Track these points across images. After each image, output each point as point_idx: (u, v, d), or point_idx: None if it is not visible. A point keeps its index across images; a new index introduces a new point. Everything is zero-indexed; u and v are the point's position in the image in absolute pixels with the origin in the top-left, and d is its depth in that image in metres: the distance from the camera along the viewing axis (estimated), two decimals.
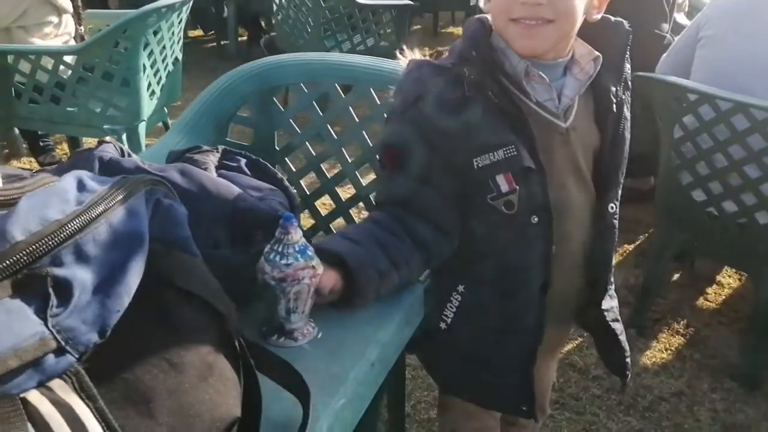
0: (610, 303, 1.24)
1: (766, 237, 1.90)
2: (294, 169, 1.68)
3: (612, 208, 1.14)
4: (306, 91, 1.63)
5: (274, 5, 3.82)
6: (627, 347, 1.25)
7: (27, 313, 0.49)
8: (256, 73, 1.63)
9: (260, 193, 0.99)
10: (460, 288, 1.13)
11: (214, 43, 5.45)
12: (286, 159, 1.68)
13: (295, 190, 1.10)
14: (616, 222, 1.16)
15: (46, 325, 0.50)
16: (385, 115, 1.17)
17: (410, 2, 3.83)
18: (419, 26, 6.34)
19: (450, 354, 1.17)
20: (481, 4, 1.10)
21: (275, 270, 0.84)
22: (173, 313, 0.61)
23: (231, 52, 5.21)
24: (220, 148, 1.18)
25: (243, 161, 1.14)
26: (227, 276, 0.84)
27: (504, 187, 1.02)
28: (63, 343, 0.50)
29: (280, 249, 0.85)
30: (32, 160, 3.28)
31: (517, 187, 1.02)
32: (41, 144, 3.10)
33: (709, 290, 2.51)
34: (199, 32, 5.83)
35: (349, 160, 1.64)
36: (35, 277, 0.50)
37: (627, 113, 1.12)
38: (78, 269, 0.52)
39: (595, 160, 1.12)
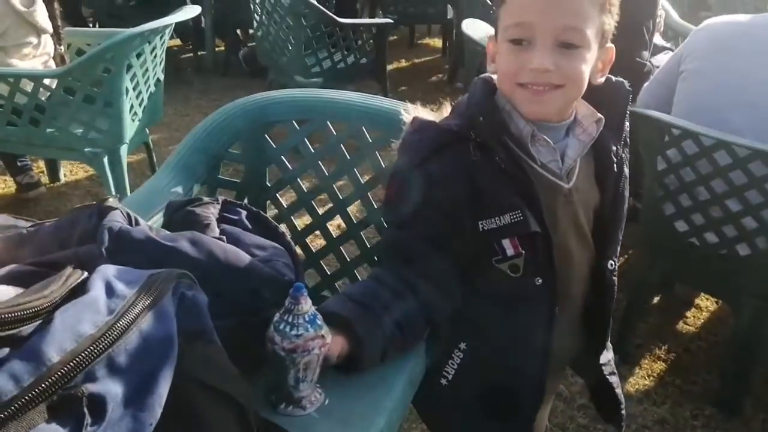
0: (607, 356, 1.27)
1: (745, 268, 1.95)
2: (285, 206, 1.68)
3: (611, 265, 1.15)
4: (298, 128, 1.63)
5: (254, 21, 3.80)
6: (623, 399, 1.27)
7: None
8: (249, 110, 1.63)
9: (264, 252, 0.99)
10: (462, 345, 1.14)
11: (191, 54, 5.40)
12: (277, 195, 1.68)
13: (294, 246, 1.10)
14: (615, 279, 1.17)
15: None
16: (391, 172, 1.17)
17: (390, 20, 3.85)
18: (395, 37, 6.36)
19: (449, 408, 1.18)
20: (488, 66, 1.10)
21: (285, 341, 0.84)
22: (197, 410, 0.61)
23: (208, 64, 5.17)
24: (221, 199, 1.18)
25: (244, 213, 1.14)
26: (239, 347, 0.84)
27: (510, 251, 1.03)
28: None
29: (290, 319, 0.85)
30: (6, 179, 3.22)
31: (523, 252, 1.03)
32: (18, 164, 3.04)
33: (689, 314, 2.56)
34: (175, 41, 5.77)
35: (340, 197, 1.65)
36: (70, 398, 0.50)
37: (626, 171, 1.13)
38: (110, 383, 0.52)
39: (595, 217, 1.13)
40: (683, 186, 1.98)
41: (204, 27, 5.12)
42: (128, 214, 0.91)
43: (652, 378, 2.22)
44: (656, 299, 2.60)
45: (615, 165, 1.10)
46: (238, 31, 5.38)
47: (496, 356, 1.13)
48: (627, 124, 1.13)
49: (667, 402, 2.11)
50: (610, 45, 1.06)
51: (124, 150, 2.70)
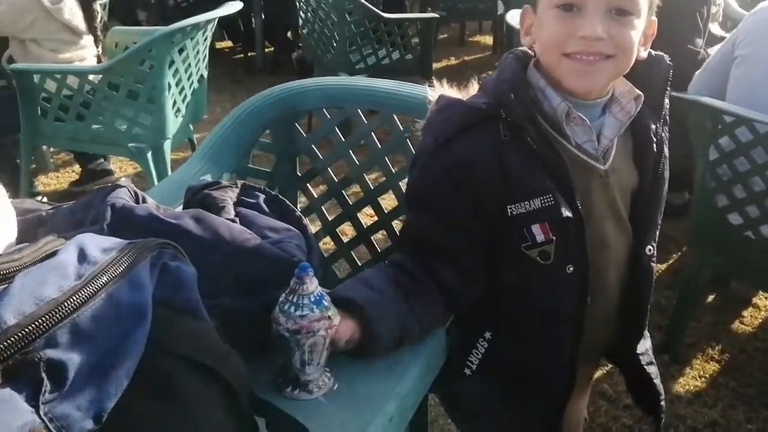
0: (645, 345, 1.21)
1: None
2: (316, 196, 1.66)
3: (650, 250, 1.09)
4: (329, 116, 1.61)
5: (300, 19, 3.81)
6: (662, 390, 1.20)
7: (17, 401, 0.46)
8: (279, 99, 1.61)
9: (277, 235, 0.96)
10: (487, 335, 1.09)
11: (241, 55, 5.47)
12: (308, 185, 1.65)
13: (312, 229, 1.07)
14: (653, 265, 1.11)
15: (37, 412, 0.47)
16: (414, 153, 1.12)
17: (436, 15, 3.80)
18: (446, 35, 6.29)
19: (473, 400, 1.13)
20: (522, 38, 1.05)
21: (289, 321, 0.81)
22: (177, 387, 0.58)
23: (258, 65, 5.23)
24: (240, 183, 1.16)
25: (262, 197, 1.12)
26: (241, 328, 0.81)
27: (540, 237, 0.97)
28: None
29: (294, 299, 0.82)
30: (59, 175, 3.30)
31: (554, 238, 0.97)
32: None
33: (745, 313, 2.43)
34: (227, 43, 5.86)
35: (372, 187, 1.61)
36: (27, 362, 0.47)
37: (666, 151, 1.07)
38: (74, 350, 0.50)
39: (633, 200, 1.07)
40: (737, 176, 1.87)
41: (254, 28, 5.18)
42: (135, 193, 0.89)
43: (703, 379, 2.11)
44: (711, 297, 2.48)
45: (654, 144, 1.04)
46: (289, 33, 5.41)
47: (522, 346, 1.08)
48: (667, 101, 1.06)
49: (719, 404, 2.00)
50: (654, 18, 1.00)
51: (167, 145, 2.73)
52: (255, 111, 1.61)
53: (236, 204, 1.10)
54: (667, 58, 1.05)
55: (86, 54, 2.83)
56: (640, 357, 1.19)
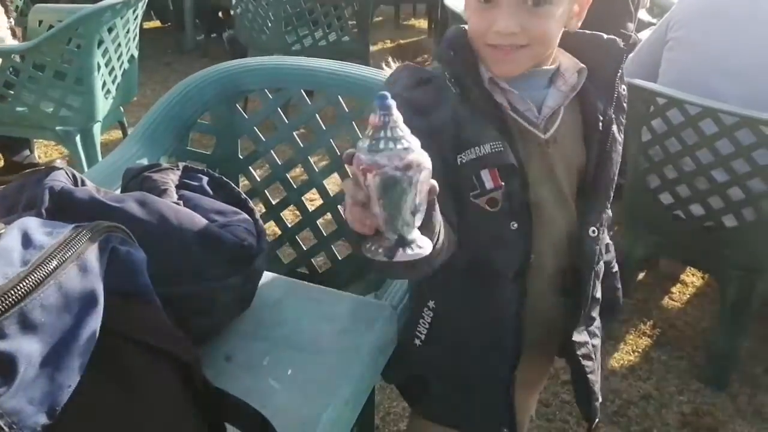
0: (585, 338, 1.17)
1: (732, 240, 1.91)
2: (258, 179, 1.62)
3: (593, 232, 1.07)
4: (270, 96, 1.57)
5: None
6: (597, 391, 1.19)
7: None
8: (219, 78, 1.57)
9: (224, 218, 0.93)
10: (431, 303, 1.10)
11: (171, 35, 5.30)
12: (250, 168, 1.62)
13: (253, 206, 1.04)
14: (597, 248, 1.09)
15: None
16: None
17: None
18: (381, 18, 6.27)
19: (425, 372, 1.13)
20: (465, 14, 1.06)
21: (395, 159, 0.68)
22: (133, 371, 0.56)
23: (189, 45, 5.08)
24: (181, 165, 1.12)
25: (205, 179, 1.08)
26: (193, 314, 0.78)
27: (489, 184, 0.98)
28: (6, 429, 0.44)
29: (389, 134, 0.69)
30: None
31: (503, 184, 0.98)
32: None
33: (674, 289, 2.53)
34: (155, 23, 5.67)
35: (316, 169, 1.59)
36: None
37: (618, 135, 1.06)
38: (23, 341, 0.47)
39: (579, 179, 1.07)
40: (668, 157, 1.93)
41: (184, 7, 5.02)
42: (74, 175, 0.85)
43: (637, 353, 2.19)
44: (641, 275, 2.57)
45: (601, 124, 1.04)
46: (220, 13, 5.27)
47: (467, 310, 1.08)
48: (623, 87, 1.07)
49: (653, 377, 2.08)
50: None
51: (97, 128, 2.63)
52: (194, 91, 1.56)
53: (179, 187, 1.06)
54: (620, 42, 1.05)
55: None
56: (577, 346, 1.15)
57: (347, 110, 1.53)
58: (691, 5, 2.02)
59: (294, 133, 1.58)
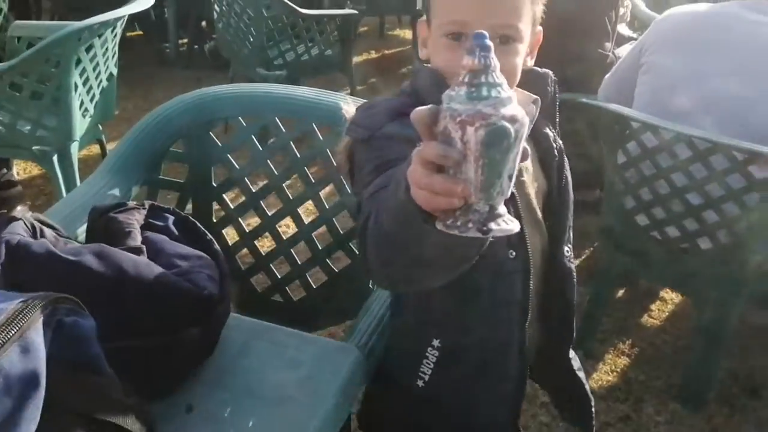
0: (573, 352, 1.23)
1: (707, 262, 1.92)
2: (232, 206, 1.62)
3: (567, 251, 1.13)
4: (245, 124, 1.57)
5: (215, 13, 3.70)
6: (592, 397, 1.23)
7: None
8: (192, 106, 1.56)
9: (186, 263, 0.93)
10: (436, 342, 1.08)
11: (154, 46, 5.26)
12: (224, 196, 1.61)
13: (223, 255, 1.04)
14: (572, 266, 1.14)
15: None
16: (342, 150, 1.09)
17: (355, 11, 3.77)
18: (365, 28, 6.27)
19: (426, 416, 1.12)
20: (420, 50, 1.06)
21: (502, 107, 0.58)
22: None
23: (171, 57, 5.05)
24: (147, 204, 1.11)
25: (171, 219, 1.08)
26: (150, 367, 0.78)
27: None
28: None
29: (491, 79, 0.60)
30: None
31: None
32: None
33: (653, 306, 2.54)
34: (138, 33, 5.63)
35: (290, 197, 1.59)
36: None
37: (565, 158, 1.12)
38: None
39: (544, 203, 1.11)
40: (644, 179, 1.94)
41: (167, 18, 5.00)
42: (32, 225, 0.84)
43: (615, 374, 2.19)
44: (620, 292, 2.58)
45: (555, 150, 1.10)
46: (203, 23, 5.25)
47: (473, 345, 1.08)
48: (558, 113, 1.12)
49: (630, 398, 2.09)
50: (539, 28, 1.03)
51: (74, 148, 2.60)
52: (166, 119, 1.55)
53: (144, 227, 1.05)
54: (551, 74, 1.08)
55: None
56: (573, 362, 1.21)
57: (321, 138, 1.53)
58: (663, 30, 2.03)
59: (269, 161, 1.57)
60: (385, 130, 0.95)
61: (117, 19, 2.57)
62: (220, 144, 1.58)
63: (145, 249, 0.95)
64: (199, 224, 1.07)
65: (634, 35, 3.17)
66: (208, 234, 1.05)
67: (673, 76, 1.96)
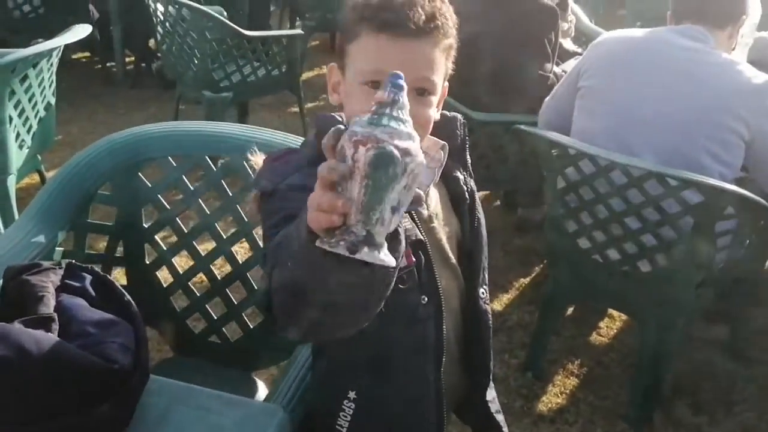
0: (492, 393, 1.24)
1: (648, 284, 1.95)
2: (165, 248, 1.58)
3: (483, 293, 1.14)
4: (174, 164, 1.53)
5: (158, 34, 3.64)
6: None
7: None
8: (120, 147, 1.52)
9: (100, 331, 0.89)
10: (352, 395, 1.07)
11: (99, 66, 5.16)
12: (156, 237, 1.57)
13: (140, 317, 1.00)
14: (488, 307, 1.16)
15: None
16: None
17: (300, 32, 3.76)
18: (317, 42, 6.24)
19: None
20: (330, 95, 1.05)
21: (396, 137, 0.62)
22: None
23: (118, 76, 4.96)
24: (64, 263, 1.08)
25: (89, 279, 1.04)
26: None
27: (402, 261, 0.97)
28: None
29: (395, 114, 0.64)
30: None
31: (414, 260, 0.99)
32: None
33: (602, 324, 2.56)
34: (83, 53, 5.52)
35: (224, 236, 1.56)
36: None
37: (477, 200, 1.13)
38: None
39: (458, 246, 1.12)
40: (583, 204, 1.96)
41: (113, 38, 4.90)
42: None
43: (564, 395, 2.20)
44: (570, 310, 2.59)
45: (466, 193, 1.11)
46: (151, 42, 5.17)
47: (389, 395, 1.07)
48: (468, 156, 1.13)
49: (579, 420, 2.10)
50: (446, 84, 1.04)
51: (11, 181, 2.53)
52: (93, 161, 1.51)
53: (60, 288, 1.02)
54: (460, 117, 1.10)
55: None
56: (490, 405, 1.21)
57: (253, 176, 1.50)
58: (599, 54, 2.06)
59: (200, 200, 1.54)
60: (289, 181, 0.95)
61: (53, 50, 2.50)
62: (149, 184, 1.54)
63: (56, 317, 0.92)
64: (117, 284, 1.03)
65: (579, 50, 3.21)
66: (126, 295, 1.02)
67: (610, 100, 1.98)
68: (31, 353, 0.77)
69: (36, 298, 0.96)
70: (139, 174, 1.53)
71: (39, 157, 2.83)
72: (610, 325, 2.56)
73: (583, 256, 2.04)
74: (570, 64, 2.75)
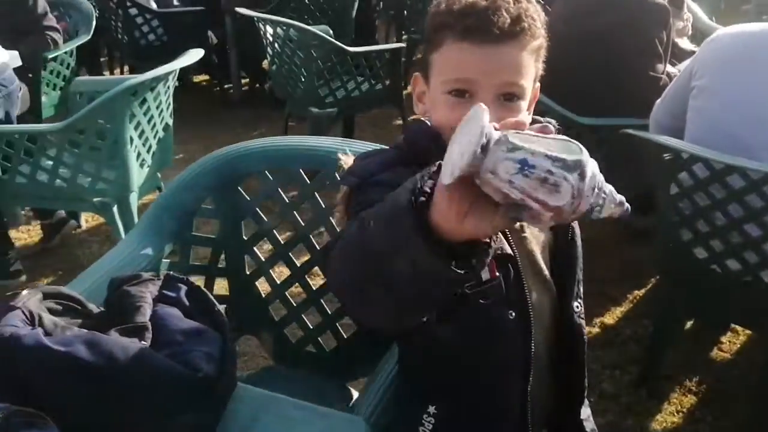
0: (586, 412, 1.17)
1: None
2: (263, 258, 1.62)
3: (577, 307, 1.08)
4: (271, 178, 1.58)
5: (268, 55, 3.79)
6: None
7: None
8: (219, 164, 1.59)
9: (186, 340, 0.93)
10: (431, 409, 1.04)
11: (218, 88, 5.44)
12: (254, 248, 1.62)
13: (228, 327, 1.03)
14: (582, 321, 1.09)
15: None
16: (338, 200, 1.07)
17: (403, 45, 3.79)
18: (420, 55, 6.28)
19: None
20: (415, 105, 1.04)
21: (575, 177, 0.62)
22: None
23: (234, 97, 5.21)
24: (163, 274, 1.13)
25: (184, 290, 1.09)
26: None
27: (485, 275, 0.94)
28: None
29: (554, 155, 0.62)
30: (30, 228, 3.27)
31: (498, 275, 0.95)
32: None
33: (724, 338, 2.38)
34: (204, 77, 5.84)
35: (318, 247, 1.58)
36: None
37: None
38: None
39: (551, 258, 1.07)
40: (698, 211, 1.83)
41: (229, 60, 5.15)
42: (31, 313, 0.86)
43: (681, 414, 2.06)
44: (690, 323, 2.43)
45: None
46: (264, 64, 5.39)
47: (470, 410, 1.03)
48: None
49: None
50: (537, 84, 1.00)
51: (133, 198, 2.70)
52: (195, 179, 1.58)
53: (157, 299, 1.07)
54: (554, 122, 1.01)
55: None
56: (584, 423, 1.16)
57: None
58: (714, 52, 1.93)
59: (295, 212, 1.58)
60: (376, 178, 0.94)
61: (168, 73, 2.66)
62: (248, 198, 1.59)
63: (150, 326, 0.96)
64: (209, 295, 1.07)
65: (696, 49, 3.03)
66: (217, 305, 1.06)
67: (726, 99, 1.86)
68: (119, 360, 0.81)
69: (134, 308, 1.01)
70: (239, 188, 1.59)
71: (159, 175, 3.00)
72: (733, 339, 2.37)
73: (699, 266, 1.90)
74: (686, 65, 2.60)
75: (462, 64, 0.93)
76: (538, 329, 1.03)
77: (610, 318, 2.51)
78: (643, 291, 2.67)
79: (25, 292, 0.90)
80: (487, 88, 0.92)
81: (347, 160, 1.06)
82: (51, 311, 1.00)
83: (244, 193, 1.59)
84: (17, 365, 0.71)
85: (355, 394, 1.54)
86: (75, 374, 0.69)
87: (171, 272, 1.15)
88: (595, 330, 2.44)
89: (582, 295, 1.09)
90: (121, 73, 5.45)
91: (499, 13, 0.90)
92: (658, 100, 2.18)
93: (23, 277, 2.87)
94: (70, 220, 3.19)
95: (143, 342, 0.91)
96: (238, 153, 1.58)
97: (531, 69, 0.95)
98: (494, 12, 0.90)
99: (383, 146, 1.13)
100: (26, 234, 3.26)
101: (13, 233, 3.23)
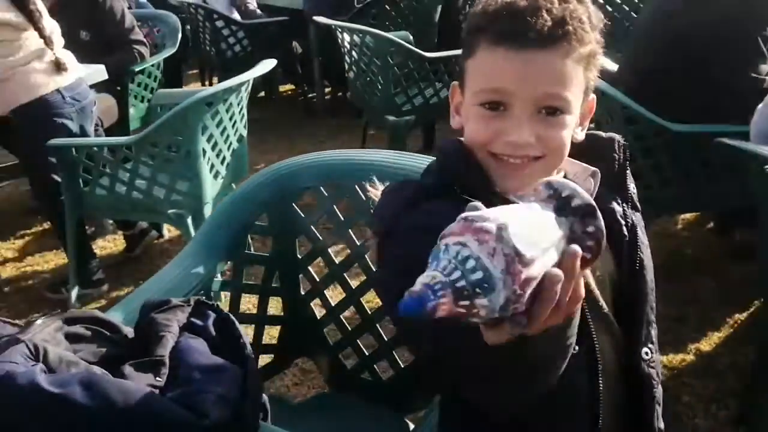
0: None
1: None
2: (317, 278, 1.55)
3: (647, 354, 0.94)
4: (326, 194, 1.50)
5: (345, 64, 3.75)
6: None
7: None
8: (273, 180, 1.53)
9: (202, 378, 0.86)
10: None
11: (302, 97, 5.48)
12: (309, 268, 1.55)
13: (254, 363, 0.96)
14: (654, 371, 0.95)
15: None
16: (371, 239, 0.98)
17: None
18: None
19: None
20: (452, 118, 0.93)
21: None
22: None
23: (317, 106, 5.23)
24: (193, 300, 1.07)
25: (212, 318, 1.02)
26: None
27: None
28: None
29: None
30: (116, 237, 3.36)
31: None
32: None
33: None
34: (289, 87, 5.90)
35: (374, 268, 1.49)
36: None
37: (643, 237, 0.94)
38: None
39: (615, 293, 0.93)
40: None
41: (313, 70, 5.18)
42: (35, 347, 0.81)
43: None
44: None
45: (625, 228, 0.92)
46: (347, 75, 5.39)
47: None
48: (632, 185, 0.95)
49: None
50: (592, 96, 0.89)
51: (207, 209, 2.70)
52: (250, 195, 1.53)
53: (183, 327, 1.01)
54: (620, 139, 0.92)
55: (34, 56, 2.57)
56: None
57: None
58: None
59: (350, 231, 1.50)
60: (405, 223, 0.84)
61: (241, 84, 2.65)
62: (303, 215, 1.52)
63: (167, 361, 0.90)
64: (237, 324, 1.00)
65: None
66: (243, 336, 0.99)
67: None
68: (116, 404, 0.75)
69: (157, 339, 0.95)
70: (293, 205, 1.52)
71: (234, 186, 3.00)
72: None
73: None
74: None
75: (496, 73, 0.83)
76: (603, 377, 0.90)
77: (706, 344, 2.29)
78: (745, 314, 2.42)
79: (39, 321, 0.85)
80: (524, 99, 0.82)
81: (375, 192, 0.97)
82: (76, 337, 0.96)
83: (298, 210, 1.53)
84: (9, 407, 0.66)
85: (411, 426, 1.44)
86: (67, 416, 0.63)
87: (202, 298, 1.08)
88: (690, 357, 2.23)
89: (654, 340, 0.95)
90: (211, 84, 5.60)
91: (539, 15, 0.79)
92: (760, 105, 1.95)
93: (105, 286, 2.95)
94: (151, 231, 3.26)
95: (158, 378, 0.85)
96: (292, 168, 1.52)
97: (578, 79, 0.83)
98: (533, 13, 0.79)
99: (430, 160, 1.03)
100: (112, 243, 3.36)
101: (98, 243, 3.34)
